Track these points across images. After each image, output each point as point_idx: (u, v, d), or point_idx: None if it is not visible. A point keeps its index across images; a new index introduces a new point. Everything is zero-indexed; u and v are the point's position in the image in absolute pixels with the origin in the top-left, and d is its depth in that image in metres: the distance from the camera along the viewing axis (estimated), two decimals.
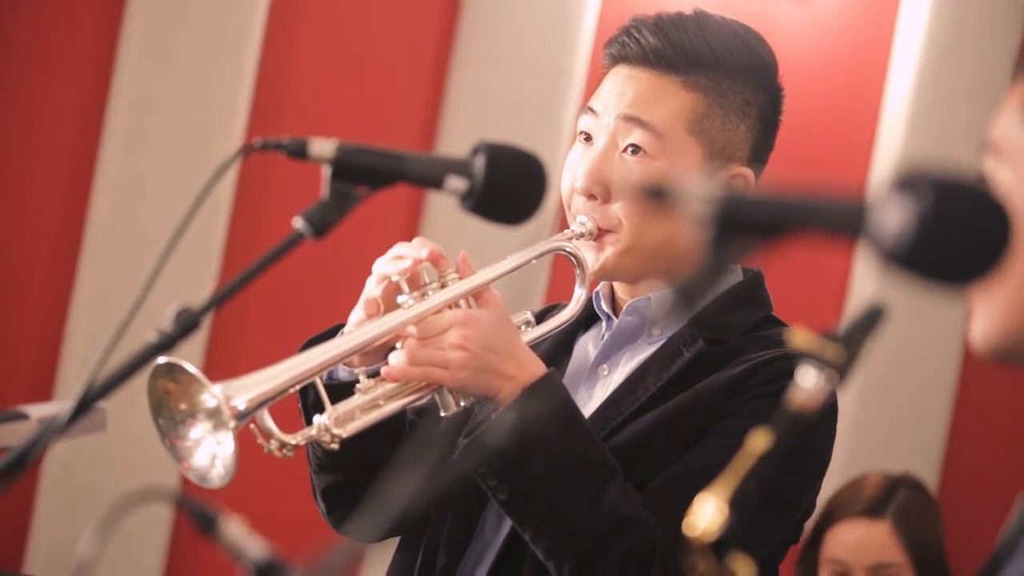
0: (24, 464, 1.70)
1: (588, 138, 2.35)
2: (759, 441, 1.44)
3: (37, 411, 2.42)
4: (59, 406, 1.92)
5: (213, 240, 4.57)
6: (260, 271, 1.74)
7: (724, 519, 1.41)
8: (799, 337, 1.44)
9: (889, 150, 5.21)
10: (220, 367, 4.69)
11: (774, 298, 2.40)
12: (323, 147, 1.80)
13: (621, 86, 2.33)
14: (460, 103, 4.81)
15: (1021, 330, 1.42)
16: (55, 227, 4.56)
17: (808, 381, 1.43)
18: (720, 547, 1.42)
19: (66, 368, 4.51)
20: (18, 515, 4.52)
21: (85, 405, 1.69)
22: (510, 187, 1.89)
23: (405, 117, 4.84)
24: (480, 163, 1.87)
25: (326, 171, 1.80)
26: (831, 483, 5.18)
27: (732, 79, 2.32)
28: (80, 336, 4.49)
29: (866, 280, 5.15)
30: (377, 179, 1.83)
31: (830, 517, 3.64)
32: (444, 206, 4.67)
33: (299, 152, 1.80)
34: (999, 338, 1.43)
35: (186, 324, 1.71)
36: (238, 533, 1.49)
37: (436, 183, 1.87)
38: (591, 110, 2.35)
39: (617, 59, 2.35)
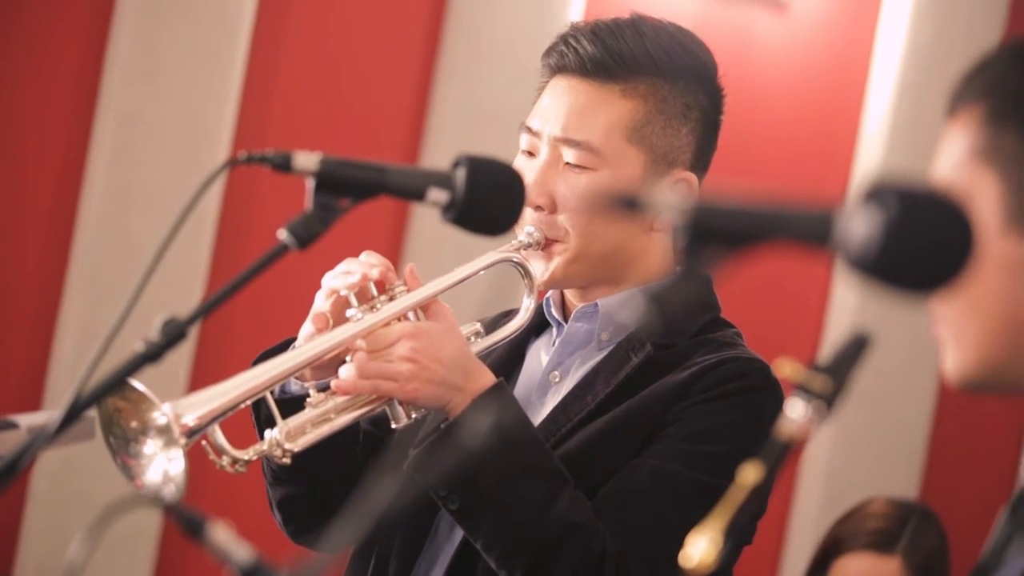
0: (13, 473, 1.71)
1: (530, 155, 2.35)
2: (750, 474, 1.45)
3: (26, 420, 2.43)
4: (48, 415, 1.94)
5: (200, 252, 4.59)
6: (245, 282, 1.77)
7: (720, 551, 1.41)
8: (786, 368, 1.45)
9: (869, 161, 5.23)
10: (207, 378, 4.70)
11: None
12: (307, 160, 1.83)
13: (559, 100, 2.32)
14: (444, 116, 4.83)
15: (994, 362, 1.43)
16: (43, 239, 4.57)
17: (797, 412, 1.44)
18: None
19: (55, 378, 4.53)
20: (7, 524, 4.53)
21: (74, 414, 1.71)
22: (490, 199, 1.92)
23: (390, 130, 4.86)
24: (461, 175, 1.89)
25: (310, 184, 1.83)
26: (816, 496, 5.21)
27: (672, 83, 2.31)
28: (68, 347, 4.51)
29: (846, 294, 5.17)
30: (360, 191, 1.85)
31: (838, 546, 3.52)
32: (429, 216, 4.69)
33: (283, 165, 1.83)
34: (972, 373, 1.44)
35: (173, 334, 1.72)
36: (224, 537, 1.52)
37: (418, 195, 1.89)
38: (529, 129, 2.35)
39: (555, 70, 2.35)
